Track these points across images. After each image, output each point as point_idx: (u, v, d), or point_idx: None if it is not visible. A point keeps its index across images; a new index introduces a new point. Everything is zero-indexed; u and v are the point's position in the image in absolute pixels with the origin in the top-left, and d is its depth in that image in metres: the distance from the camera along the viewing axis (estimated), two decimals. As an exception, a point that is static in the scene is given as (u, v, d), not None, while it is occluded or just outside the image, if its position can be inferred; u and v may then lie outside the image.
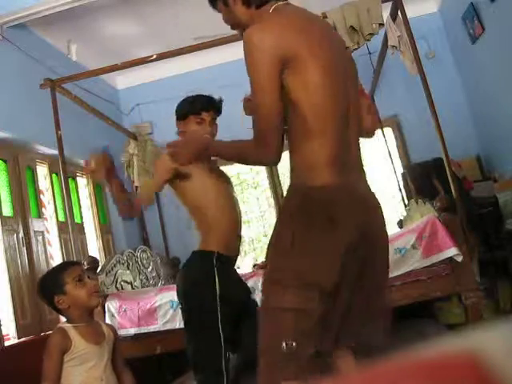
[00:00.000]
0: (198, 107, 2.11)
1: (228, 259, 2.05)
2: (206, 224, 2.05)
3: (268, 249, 1.35)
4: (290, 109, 1.26)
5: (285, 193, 4.82)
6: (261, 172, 5.27)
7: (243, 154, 1.39)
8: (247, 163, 1.49)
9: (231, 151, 1.44)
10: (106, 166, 1.89)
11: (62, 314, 1.98)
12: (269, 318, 1.27)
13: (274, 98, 1.23)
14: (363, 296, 1.31)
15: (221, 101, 2.18)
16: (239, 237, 2.13)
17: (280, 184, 5.02)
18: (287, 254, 1.24)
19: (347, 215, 1.24)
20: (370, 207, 1.35)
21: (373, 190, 1.41)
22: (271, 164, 1.42)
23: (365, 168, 1.41)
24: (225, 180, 2.20)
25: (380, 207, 1.40)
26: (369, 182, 1.42)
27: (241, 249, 2.19)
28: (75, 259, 3.18)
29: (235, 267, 2.16)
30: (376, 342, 1.31)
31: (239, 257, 2.26)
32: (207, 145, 1.53)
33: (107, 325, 2.17)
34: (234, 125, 4.52)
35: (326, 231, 1.22)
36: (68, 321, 1.93)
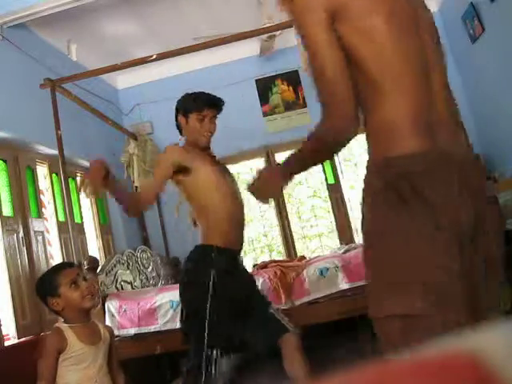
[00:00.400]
0: (202, 104, 2.13)
1: (230, 252, 2.07)
2: (207, 217, 2.08)
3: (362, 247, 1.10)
4: (352, 67, 1.06)
5: (285, 193, 4.77)
6: (261, 172, 5.26)
7: (317, 146, 1.16)
8: (328, 154, 1.20)
9: (308, 158, 1.21)
10: (102, 173, 1.76)
11: (58, 315, 1.98)
12: (380, 330, 1.03)
13: (332, 59, 1.04)
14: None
15: (222, 100, 2.20)
16: (242, 229, 2.15)
17: (280, 184, 5.01)
18: (381, 249, 1.01)
19: (438, 188, 1.00)
20: (468, 175, 1.06)
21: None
22: (349, 135, 1.11)
23: (462, 126, 1.16)
24: (226, 172, 2.23)
25: (482, 170, 1.15)
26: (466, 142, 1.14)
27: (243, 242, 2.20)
28: (75, 259, 3.18)
29: (240, 260, 2.19)
30: None
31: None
32: (285, 175, 1.29)
33: (105, 326, 2.17)
34: (233, 124, 4.52)
35: (417, 210, 0.99)
36: (64, 321, 1.94)
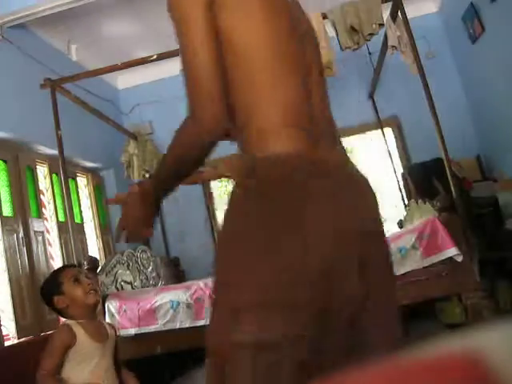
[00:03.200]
0: None
1: None
2: None
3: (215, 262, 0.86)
4: (228, 59, 0.88)
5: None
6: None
7: (181, 153, 0.92)
8: (188, 162, 0.94)
9: (171, 171, 0.97)
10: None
11: (64, 315, 1.99)
12: (214, 361, 0.80)
13: (207, 57, 0.87)
14: (373, 320, 0.85)
15: None
16: None
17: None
18: (237, 263, 0.81)
19: (325, 200, 0.81)
20: (363, 193, 0.91)
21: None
22: (210, 137, 0.87)
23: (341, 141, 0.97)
24: None
25: (374, 195, 0.95)
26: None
27: None
28: (75, 259, 3.18)
29: None
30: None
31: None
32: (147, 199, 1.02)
33: (109, 324, 2.19)
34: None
35: (292, 224, 0.79)
36: (71, 318, 1.94)
